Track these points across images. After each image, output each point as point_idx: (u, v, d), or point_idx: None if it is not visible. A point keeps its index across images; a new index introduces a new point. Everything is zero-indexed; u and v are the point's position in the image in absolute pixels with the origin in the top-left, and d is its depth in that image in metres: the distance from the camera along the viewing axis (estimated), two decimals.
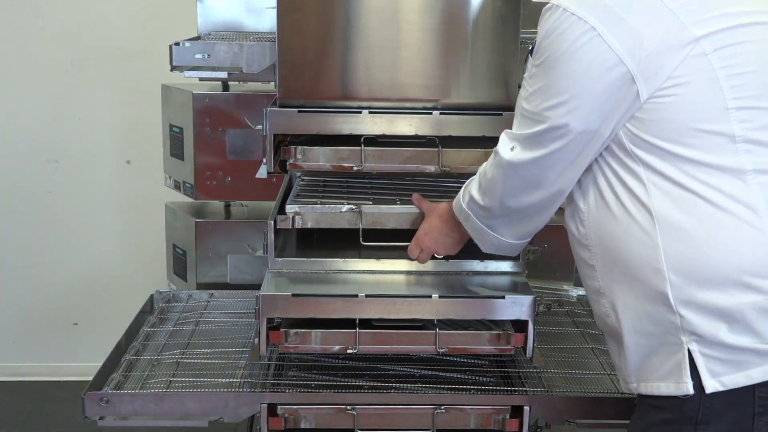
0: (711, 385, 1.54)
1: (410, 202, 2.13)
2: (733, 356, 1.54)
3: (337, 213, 2.12)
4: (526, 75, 1.69)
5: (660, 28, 1.53)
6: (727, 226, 1.53)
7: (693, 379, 1.55)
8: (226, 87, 3.01)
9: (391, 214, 2.13)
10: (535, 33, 1.65)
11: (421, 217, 2.10)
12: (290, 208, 2.12)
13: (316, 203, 2.15)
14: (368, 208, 2.13)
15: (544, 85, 1.61)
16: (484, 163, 1.83)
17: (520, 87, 1.72)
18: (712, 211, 1.53)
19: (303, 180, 2.43)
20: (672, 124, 1.55)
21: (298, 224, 2.12)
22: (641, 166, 1.58)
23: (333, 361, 2.19)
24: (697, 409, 1.56)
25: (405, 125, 2.17)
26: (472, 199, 1.85)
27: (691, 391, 1.55)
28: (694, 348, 1.55)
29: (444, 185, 2.32)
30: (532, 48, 1.66)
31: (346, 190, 2.31)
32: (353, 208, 2.12)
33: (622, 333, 1.65)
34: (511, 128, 1.74)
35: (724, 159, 1.54)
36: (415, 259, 2.08)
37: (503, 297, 2.00)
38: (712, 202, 1.53)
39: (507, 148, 1.71)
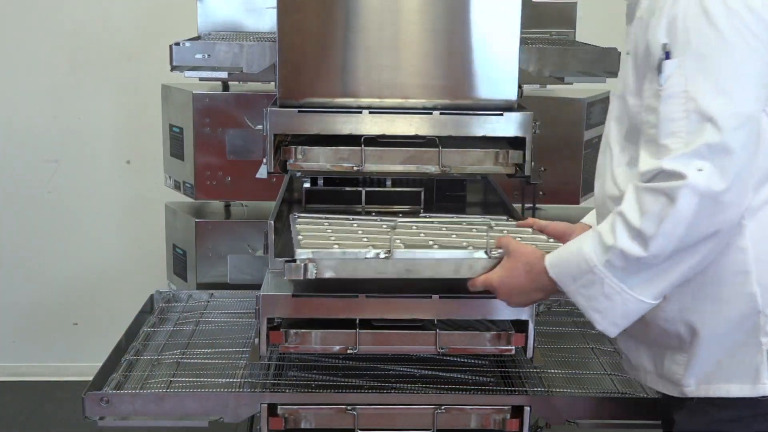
0: None
1: (449, 245, 1.88)
2: None
3: (362, 260, 1.82)
4: (668, 82, 1.47)
5: None
6: None
7: None
8: (226, 87, 3.01)
9: (429, 260, 1.83)
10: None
11: (467, 266, 1.81)
12: (302, 254, 1.82)
13: (333, 247, 1.85)
14: (400, 253, 1.83)
15: (706, 77, 1.44)
16: (624, 205, 1.51)
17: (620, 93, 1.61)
18: None
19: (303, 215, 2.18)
20: None
21: (312, 274, 1.81)
22: None
23: (333, 361, 2.19)
24: None
25: (405, 125, 2.17)
26: (623, 254, 1.50)
27: None
28: None
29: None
30: (668, 54, 1.47)
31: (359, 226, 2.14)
32: (380, 254, 1.81)
33: (694, 336, 1.56)
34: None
35: None
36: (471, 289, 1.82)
37: None
38: None
39: (693, 168, 1.43)
